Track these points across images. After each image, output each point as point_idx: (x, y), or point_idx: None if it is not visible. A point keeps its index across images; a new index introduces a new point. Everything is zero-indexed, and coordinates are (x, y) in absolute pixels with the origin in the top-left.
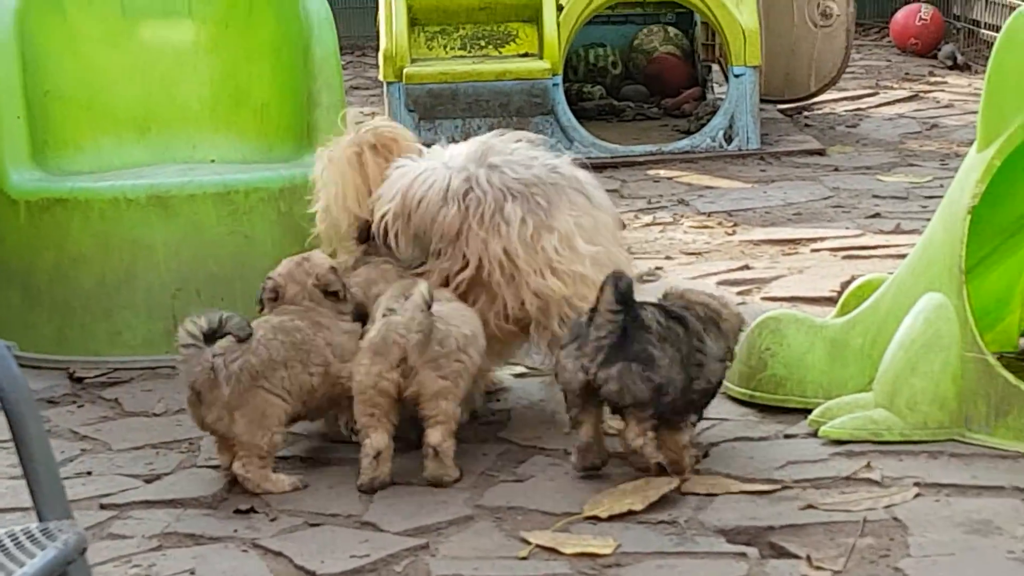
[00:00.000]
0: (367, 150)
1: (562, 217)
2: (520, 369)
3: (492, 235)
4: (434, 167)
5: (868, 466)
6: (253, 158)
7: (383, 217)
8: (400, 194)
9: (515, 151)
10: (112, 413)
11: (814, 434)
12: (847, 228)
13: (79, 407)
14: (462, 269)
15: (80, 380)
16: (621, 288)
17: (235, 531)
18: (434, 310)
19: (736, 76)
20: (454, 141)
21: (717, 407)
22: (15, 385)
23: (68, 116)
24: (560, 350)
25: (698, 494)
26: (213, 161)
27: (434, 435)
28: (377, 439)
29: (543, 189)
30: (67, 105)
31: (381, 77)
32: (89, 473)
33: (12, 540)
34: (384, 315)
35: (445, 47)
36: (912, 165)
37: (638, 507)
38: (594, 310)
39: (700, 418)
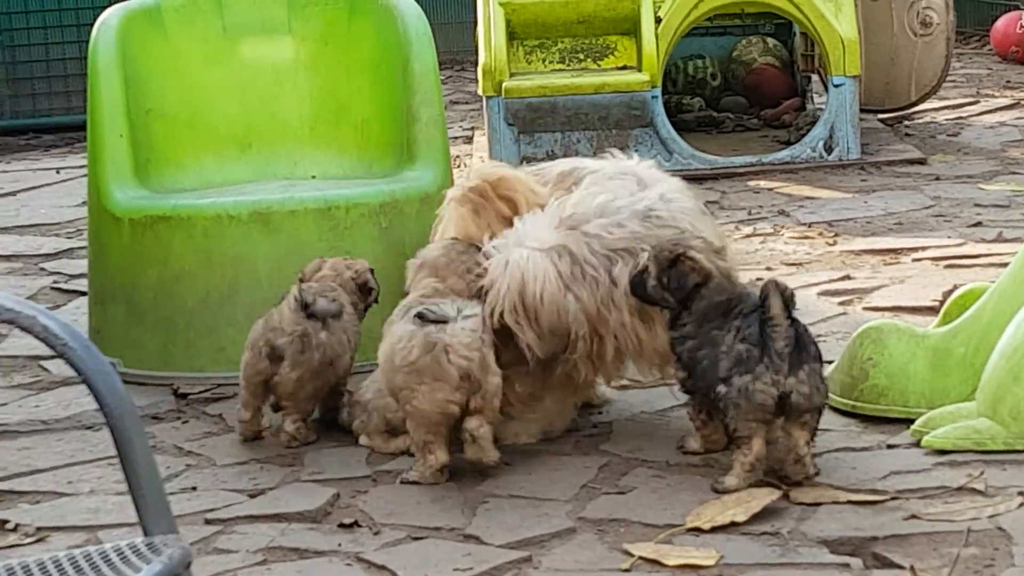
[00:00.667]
0: (481, 194)
1: None
2: (622, 381)
3: (614, 309)
4: (529, 255)
5: (972, 476)
6: (353, 174)
7: (497, 315)
8: (516, 294)
9: (594, 203)
10: (216, 429)
11: (917, 444)
12: (948, 237)
13: (183, 423)
14: (601, 347)
15: (184, 396)
16: (787, 295)
17: (339, 545)
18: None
19: (836, 86)
20: (553, 155)
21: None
22: (120, 402)
23: (170, 134)
24: (741, 376)
25: (801, 504)
26: (314, 177)
27: (472, 422)
28: (441, 455)
29: (646, 240)
30: (169, 123)
31: (480, 91)
32: (194, 488)
33: (118, 554)
34: (414, 324)
35: (544, 61)
36: (1014, 173)
37: (740, 518)
38: (738, 327)
39: None
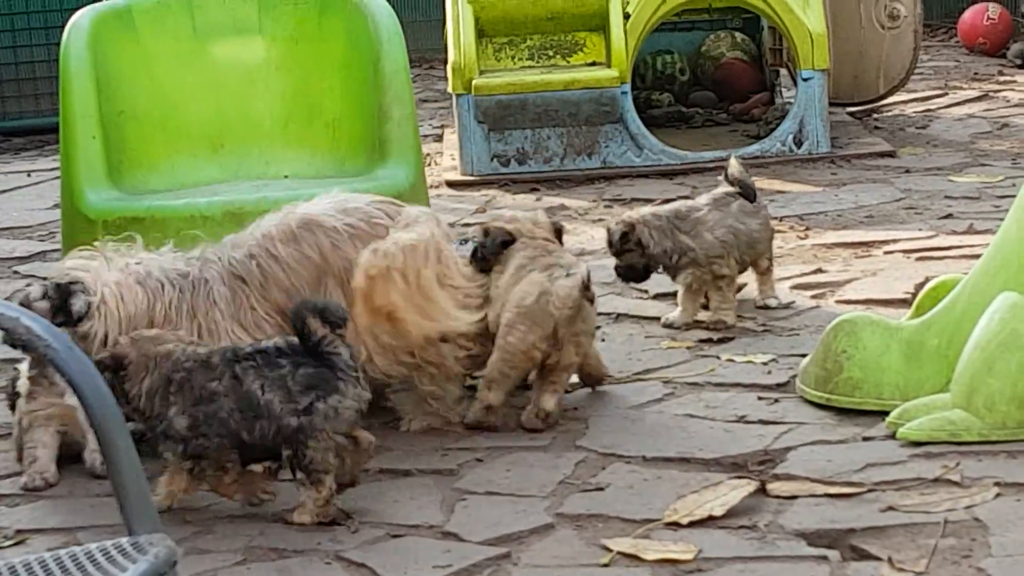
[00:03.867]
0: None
1: None
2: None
3: None
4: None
5: (947, 467)
6: (326, 173)
7: None
8: None
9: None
10: None
11: (892, 436)
12: (920, 229)
13: None
14: None
15: None
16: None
17: (318, 544)
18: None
19: (804, 80)
20: (523, 152)
21: (794, 411)
22: (103, 403)
23: (142, 135)
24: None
25: (778, 497)
26: (286, 177)
27: (549, 401)
28: (496, 396)
29: None
30: (141, 125)
31: (450, 89)
32: None
33: (103, 554)
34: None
35: (513, 58)
36: (983, 165)
37: (718, 512)
38: None
39: None
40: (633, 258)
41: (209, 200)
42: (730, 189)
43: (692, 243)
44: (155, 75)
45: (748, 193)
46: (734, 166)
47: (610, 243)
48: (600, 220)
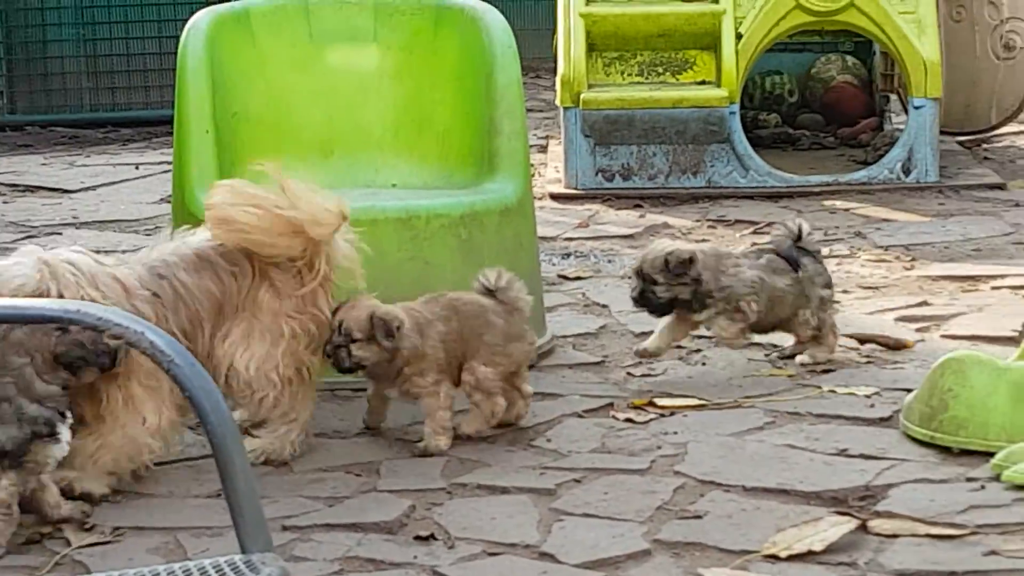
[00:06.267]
0: None
1: None
2: (696, 401)
3: None
4: None
5: None
6: (434, 184)
7: None
8: None
9: None
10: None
11: (997, 478)
12: None
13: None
14: None
15: None
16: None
17: (415, 557)
18: None
19: (916, 108)
20: (628, 167)
21: (897, 446)
22: (222, 420)
23: (254, 138)
24: None
25: (878, 535)
26: (394, 186)
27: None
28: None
29: None
30: (254, 127)
31: (558, 102)
32: (272, 495)
33: (216, 571)
34: None
35: (623, 73)
36: None
37: (817, 547)
38: None
39: None
40: (681, 290)
41: None
42: (764, 247)
43: (729, 281)
44: (269, 78)
45: (792, 262)
46: (780, 240)
47: (664, 267)
48: (703, 240)
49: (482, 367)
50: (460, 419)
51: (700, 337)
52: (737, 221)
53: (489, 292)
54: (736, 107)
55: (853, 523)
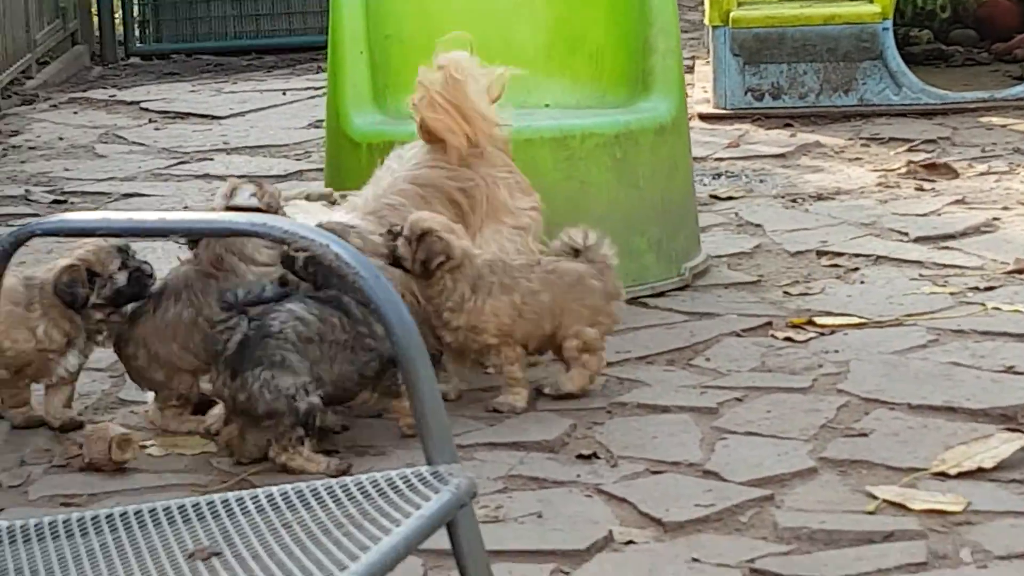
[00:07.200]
0: None
1: None
2: (856, 320)
3: None
4: None
5: None
6: (587, 104)
7: None
8: None
9: None
10: None
11: None
12: None
13: None
14: None
15: None
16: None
17: (578, 476)
18: None
19: None
20: (778, 87)
21: None
22: (408, 332)
23: (407, 59)
24: None
25: None
26: (547, 106)
27: None
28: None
29: None
30: (406, 49)
31: (707, 21)
32: None
33: (404, 482)
34: None
35: None
36: None
37: (988, 465)
38: None
39: None
40: None
41: None
42: None
43: None
44: (422, 0)
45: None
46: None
47: None
48: (856, 159)
49: (587, 328)
50: (563, 378)
51: (857, 255)
52: (891, 139)
53: (575, 252)
54: (889, 23)
55: (1023, 440)
